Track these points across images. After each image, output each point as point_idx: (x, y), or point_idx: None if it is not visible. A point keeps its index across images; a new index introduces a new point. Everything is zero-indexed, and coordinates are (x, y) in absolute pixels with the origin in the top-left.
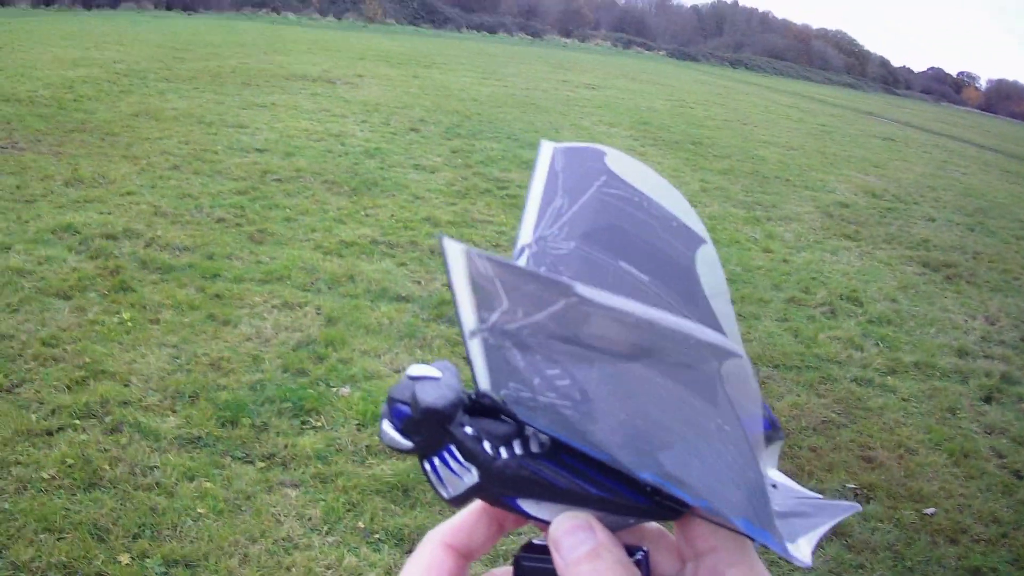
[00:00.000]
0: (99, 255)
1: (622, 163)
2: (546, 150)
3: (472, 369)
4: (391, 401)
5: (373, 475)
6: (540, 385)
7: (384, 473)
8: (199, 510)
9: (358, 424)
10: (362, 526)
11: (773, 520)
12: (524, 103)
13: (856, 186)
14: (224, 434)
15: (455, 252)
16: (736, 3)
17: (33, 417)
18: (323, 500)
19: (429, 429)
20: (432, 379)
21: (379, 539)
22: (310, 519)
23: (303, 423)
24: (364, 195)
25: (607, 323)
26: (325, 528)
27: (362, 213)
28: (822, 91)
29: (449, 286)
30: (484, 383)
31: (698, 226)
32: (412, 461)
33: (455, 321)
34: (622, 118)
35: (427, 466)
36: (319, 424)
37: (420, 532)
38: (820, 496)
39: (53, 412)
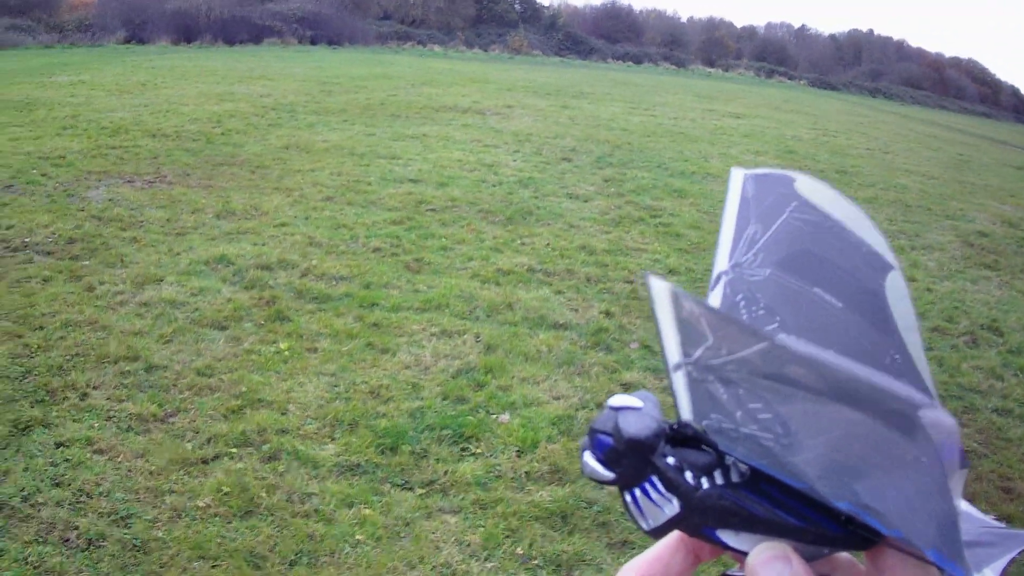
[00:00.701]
0: (254, 285)
1: (812, 188)
2: (737, 177)
3: (675, 400)
4: (593, 432)
5: (532, 501)
6: (742, 417)
7: (543, 499)
8: (358, 537)
9: (517, 451)
10: (521, 552)
11: (963, 551)
12: (672, 132)
13: (994, 215)
14: (383, 461)
15: (661, 291)
16: (871, 32)
17: (188, 446)
18: (482, 526)
19: (632, 460)
20: (634, 409)
21: (538, 565)
22: (469, 545)
23: (463, 450)
24: (519, 224)
25: (806, 369)
26: (484, 554)
27: (518, 242)
28: (957, 120)
29: (654, 321)
30: (686, 413)
31: (887, 252)
32: (571, 488)
33: (612, 349)
34: (768, 147)
35: (628, 497)
36: (479, 451)
37: (578, 558)
38: (1003, 525)
39: (209, 441)
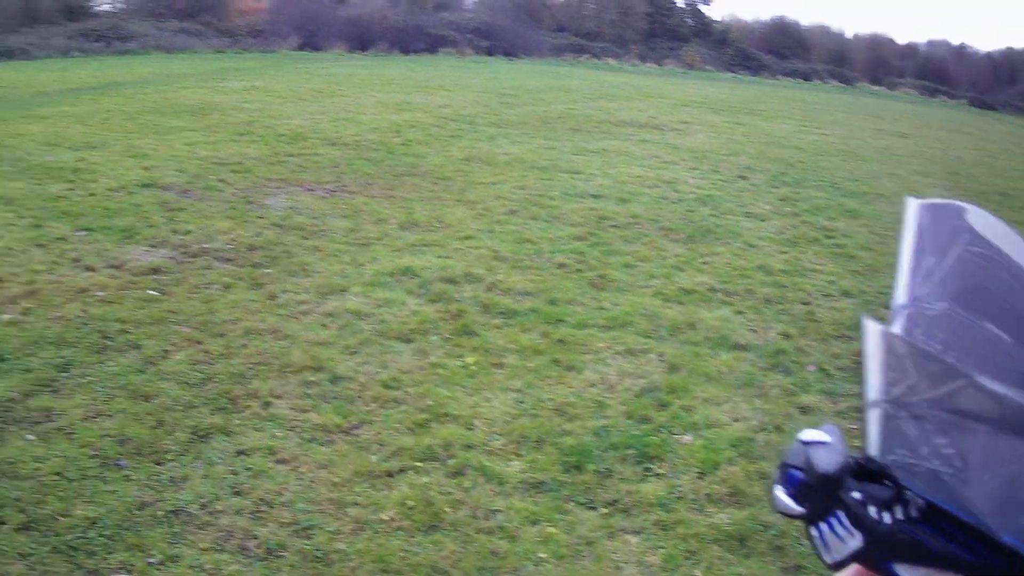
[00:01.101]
0: (440, 298)
1: (982, 221)
2: (911, 208)
3: (865, 435)
4: (784, 467)
5: (712, 523)
6: (926, 452)
7: (722, 522)
8: (540, 555)
9: (699, 472)
10: (699, 574)
11: None
12: (843, 151)
13: None
14: (568, 479)
15: (873, 332)
16: None
17: (373, 458)
18: (663, 547)
19: (821, 495)
20: (823, 444)
21: None
22: (649, 566)
23: (646, 470)
24: (700, 242)
25: (996, 406)
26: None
27: (699, 260)
28: None
29: (862, 359)
30: (874, 449)
31: None
32: (749, 511)
33: (790, 371)
34: (934, 168)
35: (814, 531)
36: (661, 471)
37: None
38: None
39: (394, 454)
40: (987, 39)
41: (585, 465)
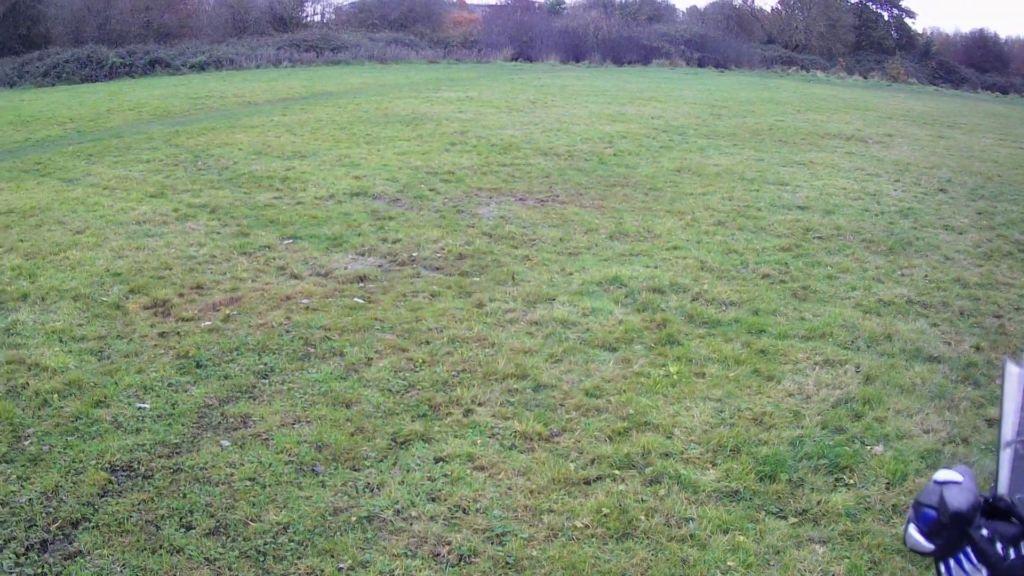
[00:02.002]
0: (645, 308)
1: None
2: (1012, 375)
3: (997, 473)
4: (918, 506)
5: (897, 534)
6: None
7: None
8: (729, 563)
9: (887, 483)
10: None
11: None
12: None
13: None
14: (761, 488)
15: (1013, 374)
16: None
17: (571, 466)
18: (847, 558)
19: (952, 532)
20: (956, 483)
21: None
22: None
23: (836, 480)
24: (900, 254)
25: None
26: None
27: (898, 272)
28: None
29: (1000, 399)
30: (1003, 487)
31: None
32: None
33: (980, 384)
34: None
35: (942, 567)
36: (852, 481)
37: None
38: None
39: (592, 461)
40: None
41: (779, 474)
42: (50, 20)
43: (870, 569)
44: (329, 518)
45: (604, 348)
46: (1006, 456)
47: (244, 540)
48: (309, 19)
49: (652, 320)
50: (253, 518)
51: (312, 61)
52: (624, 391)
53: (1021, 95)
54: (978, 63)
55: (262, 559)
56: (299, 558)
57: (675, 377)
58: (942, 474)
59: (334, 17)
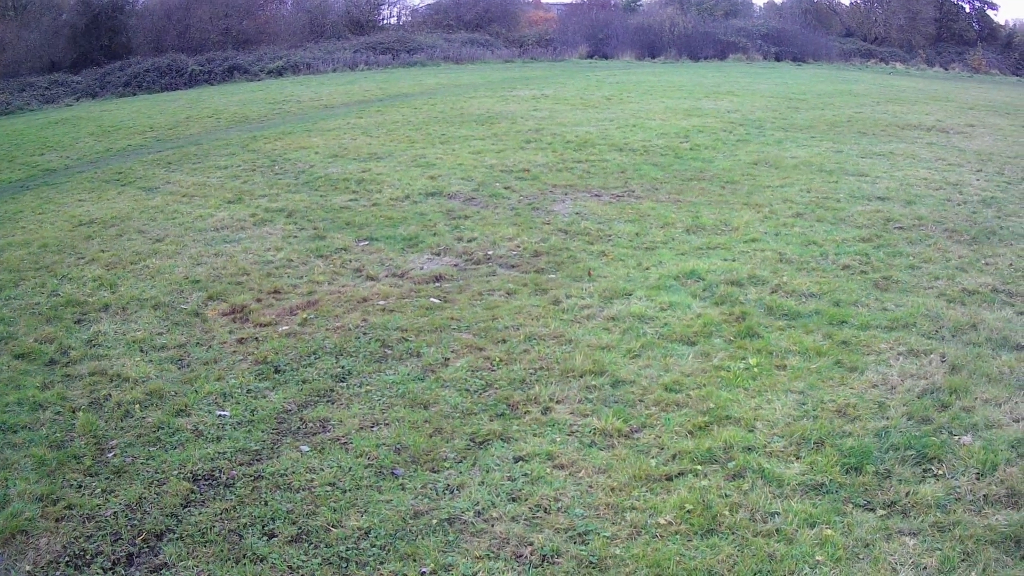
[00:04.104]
0: (724, 301)
1: None
2: None
3: None
4: None
5: (988, 525)
6: None
7: (999, 523)
8: (817, 557)
9: (977, 473)
10: None
11: None
12: None
13: None
14: (847, 481)
15: None
16: None
17: (652, 462)
18: (939, 549)
19: None
20: None
21: None
22: (925, 568)
23: (924, 471)
24: (983, 244)
25: None
26: None
27: (982, 262)
28: None
29: None
30: None
31: None
32: None
33: None
34: None
35: None
36: (940, 472)
37: None
38: None
39: (673, 457)
40: None
41: (864, 466)
42: (131, 30)
43: (963, 560)
44: (410, 521)
45: (682, 342)
46: None
47: (326, 547)
48: (385, 22)
49: (730, 313)
50: (334, 524)
51: (388, 63)
52: (704, 385)
53: None
54: None
55: (344, 565)
56: (381, 563)
57: (755, 370)
58: None
59: (410, 19)
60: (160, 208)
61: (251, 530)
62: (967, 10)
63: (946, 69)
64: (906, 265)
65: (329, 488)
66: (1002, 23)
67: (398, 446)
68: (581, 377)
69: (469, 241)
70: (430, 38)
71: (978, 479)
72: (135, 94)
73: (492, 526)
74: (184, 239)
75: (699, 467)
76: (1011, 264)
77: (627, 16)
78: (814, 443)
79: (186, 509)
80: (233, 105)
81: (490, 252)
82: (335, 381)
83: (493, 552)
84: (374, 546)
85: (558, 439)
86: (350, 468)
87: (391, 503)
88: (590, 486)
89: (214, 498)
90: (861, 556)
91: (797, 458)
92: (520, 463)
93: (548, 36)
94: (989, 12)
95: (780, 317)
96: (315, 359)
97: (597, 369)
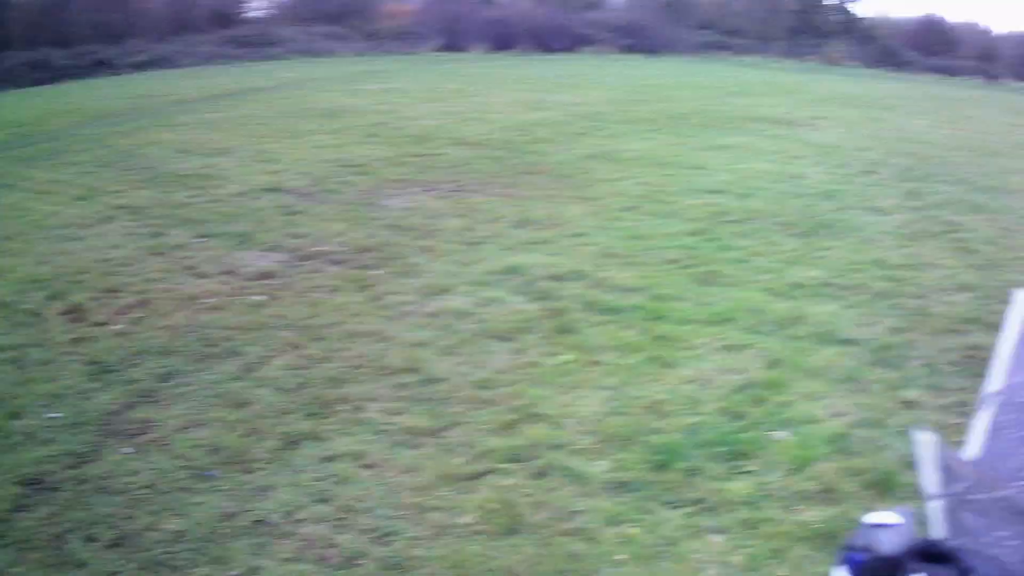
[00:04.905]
0: (543, 296)
1: None
2: (1021, 300)
3: (932, 521)
4: (847, 549)
5: (800, 521)
6: (990, 541)
7: (811, 519)
8: (619, 556)
9: (790, 469)
10: (784, 574)
11: None
12: (977, 147)
13: None
14: (654, 478)
15: (926, 440)
16: None
17: (458, 461)
18: (747, 547)
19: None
20: (888, 526)
21: None
22: (732, 566)
23: (735, 467)
24: (817, 237)
25: None
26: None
27: (813, 255)
28: None
29: (915, 461)
30: (939, 533)
31: None
32: (841, 508)
33: (896, 366)
34: None
35: None
36: (751, 469)
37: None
38: None
39: (479, 456)
40: None
41: (672, 463)
42: (10, 23)
43: (772, 558)
44: (221, 524)
45: (498, 339)
46: (935, 508)
47: (144, 551)
48: (248, 15)
49: (549, 309)
50: (152, 527)
51: (247, 57)
52: (515, 382)
53: (967, 77)
54: (925, 47)
55: (159, 569)
56: (194, 566)
57: (568, 367)
58: (874, 516)
59: (273, 12)
60: (14, 206)
61: (74, 535)
62: (828, 2)
63: (801, 61)
64: (733, 259)
65: (148, 491)
66: (864, 16)
67: (214, 447)
68: (394, 375)
69: (300, 237)
70: (289, 31)
71: (790, 475)
72: (5, 89)
73: (299, 528)
74: (32, 237)
75: (504, 466)
76: (843, 257)
77: (483, 8)
78: (622, 440)
79: (16, 514)
80: (95, 100)
81: (319, 248)
82: (159, 381)
83: (299, 554)
84: (188, 549)
85: (368, 438)
86: (168, 470)
87: (205, 505)
88: (396, 486)
89: (42, 502)
90: (665, 554)
91: (603, 455)
92: (329, 463)
93: (404, 29)
94: (850, 5)
95: (598, 312)
96: (143, 359)
97: (411, 366)
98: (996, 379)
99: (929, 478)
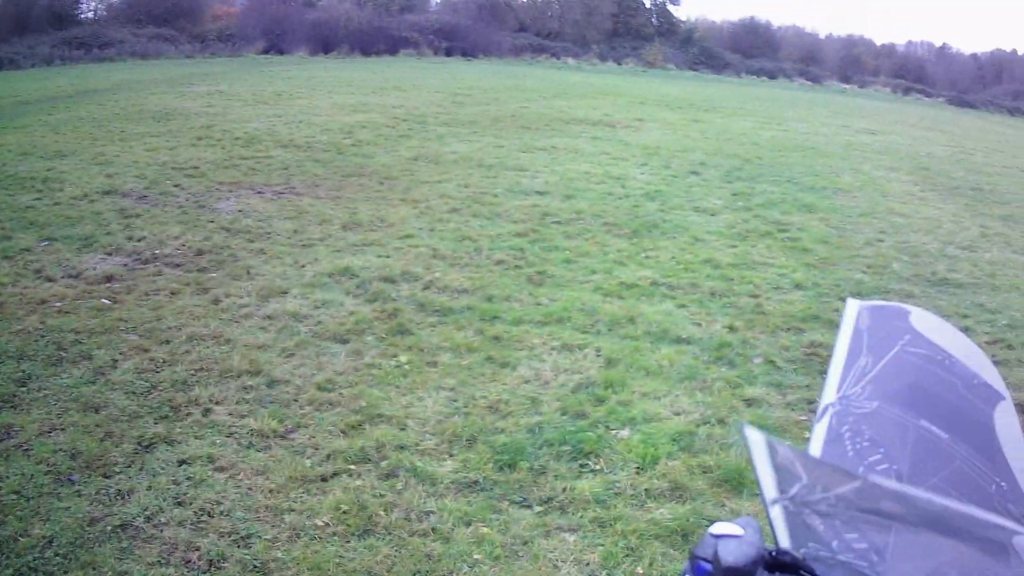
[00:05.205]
0: (377, 298)
1: (926, 322)
2: (852, 309)
3: (773, 529)
4: (693, 559)
5: (652, 519)
6: (839, 546)
7: (663, 517)
8: (475, 556)
9: (637, 467)
10: (641, 572)
11: None
12: (804, 147)
13: None
14: (502, 478)
15: (756, 440)
16: (1015, 52)
17: (308, 463)
18: (601, 545)
19: None
20: (734, 537)
21: None
22: (588, 565)
23: (581, 466)
24: (644, 237)
25: (899, 503)
26: (603, 574)
27: (642, 255)
28: None
29: (750, 463)
30: (785, 542)
31: (998, 382)
32: (691, 505)
33: (735, 363)
34: (902, 163)
35: None
36: (598, 467)
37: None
38: None
39: (328, 457)
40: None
41: (518, 463)
42: None
43: (627, 556)
44: (88, 529)
45: (335, 340)
46: (776, 513)
47: (16, 557)
48: (83, 16)
49: (383, 310)
50: (22, 533)
51: (83, 58)
52: (356, 383)
53: (791, 79)
54: (746, 49)
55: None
56: (65, 572)
57: (407, 367)
58: (719, 527)
59: (105, 14)
60: None
61: None
62: (647, 5)
63: (619, 64)
64: (562, 259)
65: (15, 496)
66: (683, 19)
67: (73, 451)
68: (239, 377)
69: (139, 240)
70: (121, 33)
71: (638, 473)
72: None
73: (161, 531)
74: None
75: (353, 467)
76: (673, 257)
77: (306, 11)
78: (466, 440)
79: None
80: None
81: (157, 251)
82: (17, 386)
83: (164, 558)
84: (57, 555)
85: (218, 441)
86: (32, 475)
87: (70, 510)
88: (250, 488)
89: None
90: (520, 554)
91: (450, 456)
92: (184, 466)
93: (229, 31)
94: (670, 7)
95: (432, 313)
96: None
97: (254, 369)
98: (830, 389)
99: (766, 480)
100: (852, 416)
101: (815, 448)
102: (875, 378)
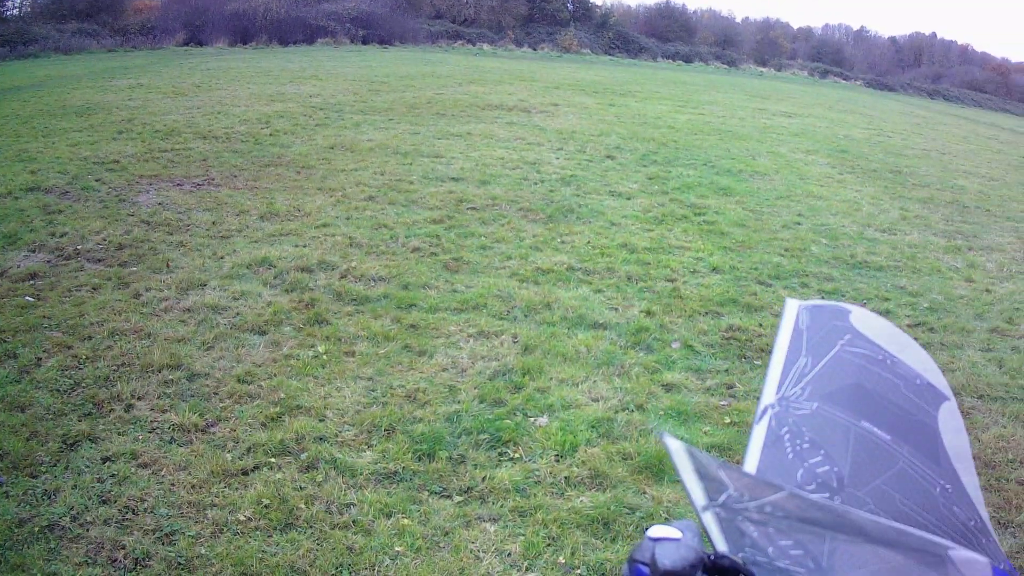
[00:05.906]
0: (294, 288)
1: (867, 321)
2: (791, 308)
3: (708, 534)
4: (631, 562)
5: (573, 508)
6: (775, 552)
7: (584, 505)
8: (397, 548)
9: (556, 455)
10: (563, 561)
11: None
12: (720, 131)
13: None
14: (421, 468)
15: (677, 448)
16: (934, 35)
17: (228, 456)
18: (522, 535)
19: None
20: (672, 540)
21: (580, 574)
22: (509, 555)
23: (500, 455)
24: (560, 222)
25: (825, 514)
26: (525, 564)
27: (558, 240)
28: (1022, 123)
29: (675, 471)
30: (722, 546)
31: (941, 383)
32: (612, 493)
33: (653, 348)
34: (820, 146)
35: None
36: (517, 455)
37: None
38: None
39: (248, 451)
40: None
41: (437, 452)
42: None
43: (549, 545)
44: (16, 530)
45: (254, 332)
46: (709, 519)
47: None
48: (9, 13)
49: (300, 300)
50: None
51: (8, 56)
52: (275, 375)
53: (706, 63)
54: (661, 33)
55: None
56: None
57: (324, 358)
58: (656, 530)
59: (29, 10)
60: None
61: None
62: None
63: (535, 49)
64: (478, 246)
65: None
66: (599, 3)
67: (1, 452)
68: (160, 371)
69: (61, 236)
70: (44, 29)
71: (558, 461)
72: None
73: (88, 531)
74: None
75: (273, 460)
76: (588, 242)
77: (225, 2)
78: (385, 430)
79: None
80: None
81: (79, 247)
82: None
83: (91, 558)
84: None
85: (140, 437)
86: None
87: None
88: (172, 484)
89: None
90: (442, 545)
91: (369, 446)
92: (108, 463)
93: (151, 24)
94: None
95: (349, 302)
96: None
97: (174, 363)
98: (769, 390)
99: (693, 487)
100: (792, 417)
101: (754, 450)
102: (815, 379)
